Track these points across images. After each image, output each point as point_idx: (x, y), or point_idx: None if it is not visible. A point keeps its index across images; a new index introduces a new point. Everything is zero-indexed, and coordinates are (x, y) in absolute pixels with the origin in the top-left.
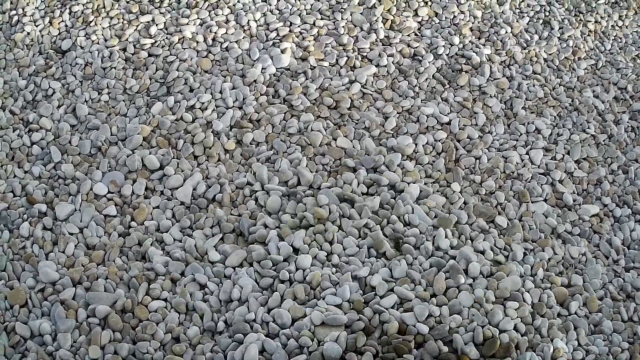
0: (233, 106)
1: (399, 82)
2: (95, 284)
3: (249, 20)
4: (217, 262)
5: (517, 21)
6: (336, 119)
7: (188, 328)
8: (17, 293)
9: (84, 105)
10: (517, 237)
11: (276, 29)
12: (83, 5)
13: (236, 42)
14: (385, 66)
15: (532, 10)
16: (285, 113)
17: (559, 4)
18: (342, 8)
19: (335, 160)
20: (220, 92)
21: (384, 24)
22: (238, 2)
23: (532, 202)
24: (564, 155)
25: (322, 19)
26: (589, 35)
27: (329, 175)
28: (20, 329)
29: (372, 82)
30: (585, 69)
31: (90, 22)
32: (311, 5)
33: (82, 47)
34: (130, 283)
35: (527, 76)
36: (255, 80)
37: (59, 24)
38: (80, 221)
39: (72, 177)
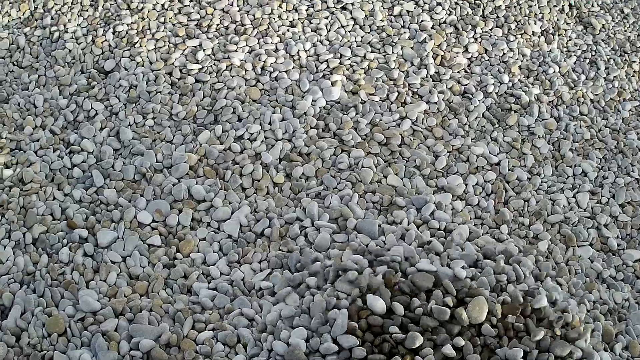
0: (282, 138)
1: (449, 119)
2: (139, 316)
3: (298, 50)
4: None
5: (564, 60)
6: (387, 156)
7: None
8: (56, 321)
9: (128, 129)
10: (565, 281)
11: (326, 61)
12: (128, 25)
13: (286, 71)
14: (436, 103)
15: (579, 49)
16: (335, 148)
17: (605, 44)
18: (392, 42)
19: (386, 198)
20: (270, 124)
21: (434, 60)
22: (287, 31)
23: (578, 247)
24: (609, 198)
25: (372, 52)
26: (633, 75)
27: (379, 213)
28: (58, 358)
29: (422, 119)
30: (630, 110)
31: (135, 43)
32: (362, 37)
33: (126, 69)
34: (176, 317)
35: (574, 117)
36: (305, 113)
37: (102, 43)
38: (123, 249)
39: (114, 203)
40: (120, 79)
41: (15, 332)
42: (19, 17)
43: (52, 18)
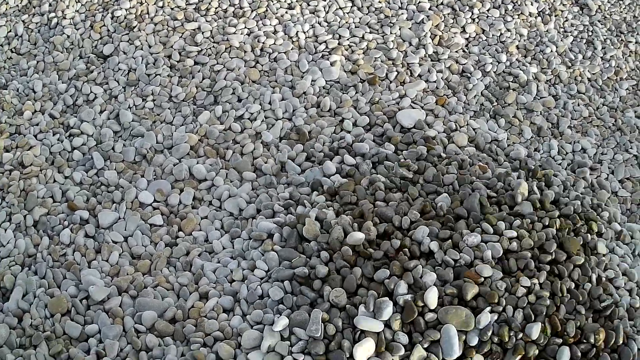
0: (283, 117)
1: (448, 98)
2: (143, 292)
3: (297, 32)
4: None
5: (561, 40)
6: None
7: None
8: (59, 301)
9: (128, 112)
10: None
11: (325, 42)
12: (126, 10)
13: (285, 53)
14: (435, 82)
15: (575, 29)
16: (335, 126)
17: (601, 24)
18: (390, 22)
19: None
20: (270, 103)
21: (432, 40)
22: (286, 12)
23: None
24: (608, 175)
25: (370, 32)
26: (630, 55)
27: None
28: (69, 328)
29: (421, 97)
30: (627, 89)
31: (134, 27)
32: (360, 18)
33: (125, 53)
34: (180, 292)
35: (572, 95)
36: (304, 92)
37: (100, 28)
38: (125, 230)
39: (115, 185)
40: (119, 62)
41: (17, 313)
42: (17, 5)
43: (50, 5)
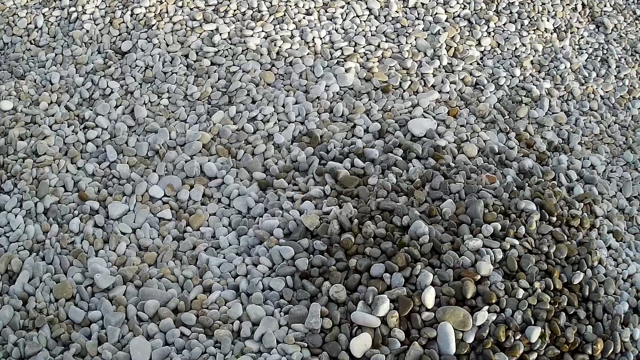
0: (295, 121)
1: (460, 109)
2: (148, 282)
3: (313, 37)
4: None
5: (576, 57)
6: None
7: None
8: (64, 286)
9: (143, 108)
10: None
11: (341, 48)
12: (145, 8)
13: (300, 57)
14: (448, 93)
15: (590, 47)
16: (347, 132)
17: (616, 43)
18: (406, 32)
19: None
20: (283, 106)
21: (447, 51)
22: (304, 18)
23: None
24: (616, 192)
25: (386, 41)
26: None
27: None
28: (72, 313)
29: (433, 108)
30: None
31: (152, 25)
32: (376, 27)
33: (142, 50)
34: (185, 284)
35: (584, 112)
36: (318, 97)
37: (119, 24)
38: (134, 222)
39: (127, 178)
40: (136, 59)
41: (23, 296)
42: None
43: None
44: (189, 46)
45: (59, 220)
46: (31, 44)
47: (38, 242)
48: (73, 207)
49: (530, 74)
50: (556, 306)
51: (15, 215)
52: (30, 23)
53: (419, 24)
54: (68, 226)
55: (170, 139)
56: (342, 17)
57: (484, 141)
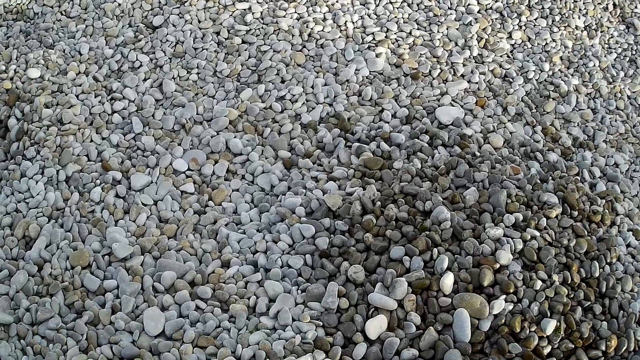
0: (324, 102)
1: (488, 100)
2: (166, 254)
3: (346, 21)
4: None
5: (605, 56)
6: None
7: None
8: (81, 254)
9: (172, 82)
10: None
11: (372, 33)
12: None
13: (332, 40)
14: (477, 83)
15: (620, 47)
16: (375, 116)
17: None
18: (439, 21)
19: None
20: (312, 87)
21: (478, 42)
22: (337, 2)
23: None
24: (638, 192)
25: (418, 29)
26: None
27: None
28: (88, 281)
29: (461, 97)
30: None
31: (185, 1)
32: (409, 14)
33: (174, 25)
34: (203, 258)
35: (610, 110)
36: (347, 80)
37: None
38: (156, 194)
39: (151, 150)
40: (167, 34)
41: (38, 262)
42: None
43: None
44: (221, 24)
45: (80, 189)
46: (62, 14)
47: (58, 209)
48: (95, 176)
49: (559, 70)
50: (573, 300)
51: (37, 182)
52: None
53: (451, 14)
54: (89, 195)
55: (197, 113)
56: (375, 3)
57: (510, 133)
